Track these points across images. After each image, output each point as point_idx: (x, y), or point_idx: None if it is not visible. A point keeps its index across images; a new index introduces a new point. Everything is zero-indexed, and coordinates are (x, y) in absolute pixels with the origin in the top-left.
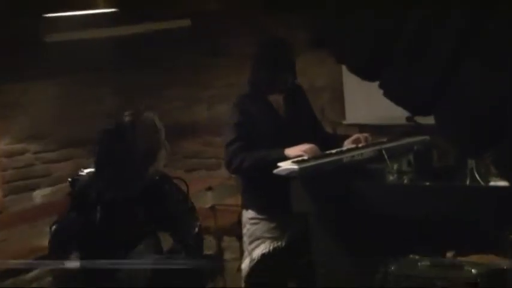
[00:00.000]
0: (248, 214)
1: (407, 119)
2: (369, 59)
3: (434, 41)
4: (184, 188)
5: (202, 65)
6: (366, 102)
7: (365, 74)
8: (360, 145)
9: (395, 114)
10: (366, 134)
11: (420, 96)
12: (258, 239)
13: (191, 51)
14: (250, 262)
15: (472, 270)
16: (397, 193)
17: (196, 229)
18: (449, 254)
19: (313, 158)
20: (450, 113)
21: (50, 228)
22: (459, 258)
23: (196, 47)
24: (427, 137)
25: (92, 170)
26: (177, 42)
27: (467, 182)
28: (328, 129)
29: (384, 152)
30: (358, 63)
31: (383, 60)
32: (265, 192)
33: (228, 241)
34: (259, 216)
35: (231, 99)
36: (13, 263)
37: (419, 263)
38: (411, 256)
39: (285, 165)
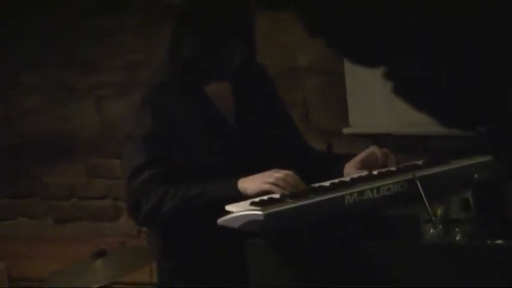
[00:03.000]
0: None
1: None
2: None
3: None
4: None
5: (80, 27)
6: (384, 95)
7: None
8: (375, 172)
9: None
10: (385, 150)
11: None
12: None
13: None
14: None
15: None
16: (443, 260)
17: None
18: None
19: (290, 196)
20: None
21: None
22: None
23: None
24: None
25: None
26: None
27: None
28: (317, 143)
29: (418, 184)
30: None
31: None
32: (201, 260)
33: None
34: None
35: (135, 93)
36: None
37: None
38: None
39: (239, 210)
